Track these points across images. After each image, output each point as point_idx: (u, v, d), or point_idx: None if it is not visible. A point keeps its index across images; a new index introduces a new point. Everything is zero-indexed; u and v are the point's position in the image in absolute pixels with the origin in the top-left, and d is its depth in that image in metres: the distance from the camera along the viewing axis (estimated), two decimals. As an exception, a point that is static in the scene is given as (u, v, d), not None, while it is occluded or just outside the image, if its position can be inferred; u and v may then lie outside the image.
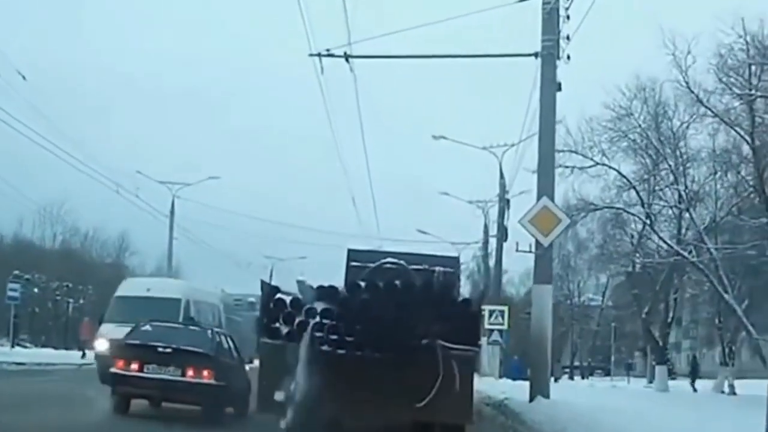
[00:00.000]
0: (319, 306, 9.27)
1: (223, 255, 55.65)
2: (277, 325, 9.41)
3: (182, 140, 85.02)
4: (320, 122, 42.86)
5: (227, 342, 14.15)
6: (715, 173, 26.26)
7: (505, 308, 31.23)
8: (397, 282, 9.47)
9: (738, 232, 26.16)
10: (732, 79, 22.86)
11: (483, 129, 53.38)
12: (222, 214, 62.00)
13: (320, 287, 9.46)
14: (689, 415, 12.08)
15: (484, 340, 35.19)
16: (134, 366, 12.34)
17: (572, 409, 10.50)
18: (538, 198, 13.70)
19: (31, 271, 54.85)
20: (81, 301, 59.97)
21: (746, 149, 24.68)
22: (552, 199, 13.73)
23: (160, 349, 12.40)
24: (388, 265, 11.60)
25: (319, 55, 13.94)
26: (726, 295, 23.94)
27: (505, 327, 30.46)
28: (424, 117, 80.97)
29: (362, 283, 9.50)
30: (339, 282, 9.99)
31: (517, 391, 16.59)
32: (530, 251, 13.93)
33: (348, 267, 12.22)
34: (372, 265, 11.57)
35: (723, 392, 29.31)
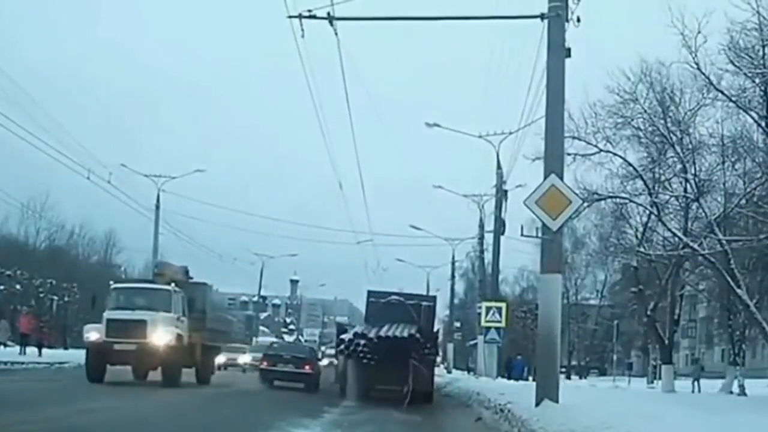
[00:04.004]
0: (362, 341, 19.32)
1: (209, 251, 54.50)
2: (342, 347, 19.76)
3: (167, 134, 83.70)
4: (306, 107, 41.55)
5: (315, 349, 28.54)
6: (723, 162, 24.74)
7: (503, 305, 30.11)
8: (397, 332, 19.47)
9: (748, 224, 24.74)
10: (744, 61, 21.41)
11: (479, 118, 51.98)
12: (209, 208, 60.68)
13: (363, 334, 19.61)
14: (742, 420, 10.62)
15: (480, 339, 34.03)
16: (271, 364, 24.72)
17: (595, 418, 8.92)
18: (545, 177, 12.18)
19: (12, 268, 53.39)
20: (66, 299, 58.33)
21: (756, 136, 23.35)
22: (561, 179, 12.20)
23: (284, 355, 25.17)
24: (393, 300, 22.01)
25: (299, 16, 12.48)
26: (739, 291, 22.50)
27: (502, 324, 29.29)
28: (416, 103, 79.69)
29: (383, 333, 19.38)
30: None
31: (518, 392, 15.18)
32: (536, 236, 12.41)
33: (368, 302, 22.37)
34: (383, 300, 22.04)
35: (732, 393, 27.94)
